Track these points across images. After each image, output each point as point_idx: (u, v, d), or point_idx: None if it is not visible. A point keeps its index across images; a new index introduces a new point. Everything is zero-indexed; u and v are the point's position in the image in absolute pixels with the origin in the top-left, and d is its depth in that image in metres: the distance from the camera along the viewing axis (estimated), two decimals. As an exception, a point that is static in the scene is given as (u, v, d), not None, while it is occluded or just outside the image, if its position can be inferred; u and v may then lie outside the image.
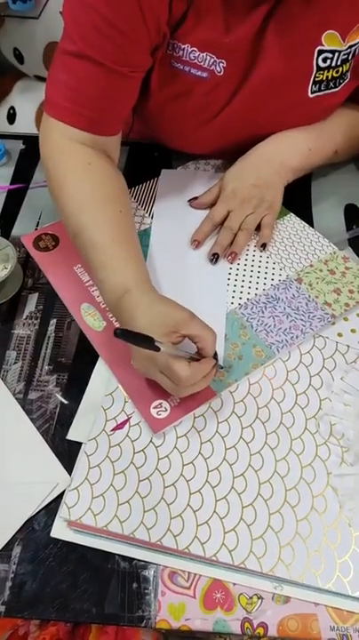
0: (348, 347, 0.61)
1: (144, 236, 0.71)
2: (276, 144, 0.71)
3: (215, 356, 0.54)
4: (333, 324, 0.63)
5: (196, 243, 0.70)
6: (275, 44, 0.61)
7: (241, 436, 0.55)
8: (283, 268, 0.68)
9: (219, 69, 0.62)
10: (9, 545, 0.49)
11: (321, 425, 0.56)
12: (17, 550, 0.49)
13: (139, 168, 0.81)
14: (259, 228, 0.71)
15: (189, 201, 0.75)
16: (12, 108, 1.58)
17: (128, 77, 0.60)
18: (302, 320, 0.63)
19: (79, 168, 0.61)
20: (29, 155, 0.84)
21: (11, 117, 1.59)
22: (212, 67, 0.62)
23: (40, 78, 1.50)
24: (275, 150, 0.71)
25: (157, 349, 0.47)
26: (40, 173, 0.82)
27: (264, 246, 0.70)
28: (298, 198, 0.77)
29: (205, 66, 0.62)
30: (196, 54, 0.61)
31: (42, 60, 1.47)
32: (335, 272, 0.68)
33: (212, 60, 0.61)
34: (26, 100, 1.59)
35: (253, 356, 0.59)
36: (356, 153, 0.80)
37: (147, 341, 0.47)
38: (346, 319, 0.64)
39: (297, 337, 0.61)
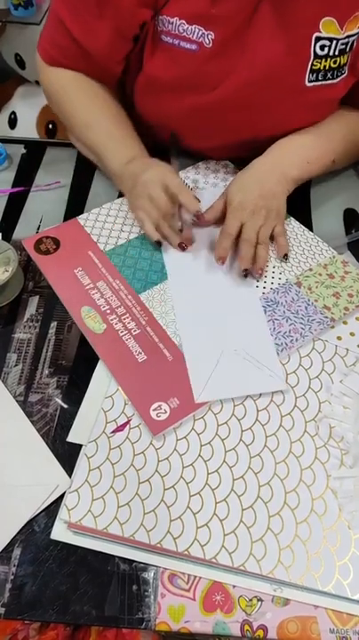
0: (348, 350, 0.62)
1: (144, 240, 0.72)
2: (275, 156, 0.72)
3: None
4: (332, 327, 0.64)
5: (222, 260, 0.67)
6: (269, 22, 0.62)
7: (240, 439, 0.55)
8: (282, 272, 0.69)
9: (207, 41, 0.63)
10: (9, 547, 0.49)
11: (320, 427, 0.56)
12: (17, 552, 0.49)
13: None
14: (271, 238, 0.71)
15: (193, 217, 0.74)
16: (14, 113, 1.59)
17: (95, 62, 0.69)
18: (301, 323, 0.63)
19: (72, 85, 0.73)
20: (30, 159, 0.85)
21: (13, 122, 1.60)
22: (201, 39, 0.63)
23: (41, 84, 1.51)
24: (275, 162, 0.72)
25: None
26: (41, 177, 0.82)
27: (286, 256, 0.70)
28: (297, 203, 0.77)
29: (194, 38, 0.63)
30: (185, 27, 0.63)
31: (43, 65, 1.48)
32: (334, 276, 0.68)
33: (201, 33, 0.63)
34: (27, 106, 1.60)
35: (253, 358, 0.60)
36: (353, 161, 0.81)
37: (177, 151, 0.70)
38: (345, 323, 0.64)
39: (296, 340, 0.61)
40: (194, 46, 0.64)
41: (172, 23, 0.63)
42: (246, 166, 0.72)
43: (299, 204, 0.78)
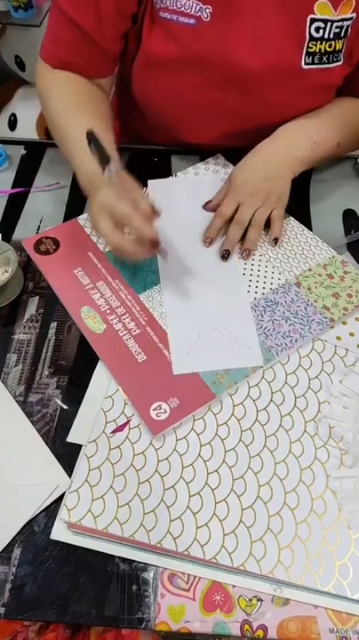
0: (347, 350, 0.62)
1: (144, 240, 0.72)
2: (281, 138, 0.73)
3: (153, 209, 0.61)
4: (332, 327, 0.64)
5: (209, 240, 0.71)
6: (265, 2, 0.63)
7: (240, 439, 0.55)
8: (281, 272, 0.69)
9: (205, 15, 0.64)
10: (9, 547, 0.49)
11: (320, 428, 0.56)
12: (17, 552, 0.49)
13: (138, 174, 0.81)
14: (267, 223, 0.72)
15: (204, 206, 0.76)
16: (14, 114, 1.59)
17: (96, 44, 0.68)
18: (301, 324, 0.63)
19: (59, 83, 0.73)
20: (30, 160, 0.85)
21: (13, 124, 1.60)
22: (199, 13, 0.64)
23: (41, 85, 1.51)
24: (281, 144, 0.72)
25: (107, 162, 0.58)
26: (41, 178, 0.82)
27: (276, 241, 0.71)
28: (297, 202, 0.77)
29: (192, 12, 0.64)
30: (183, 2, 0.64)
31: (43, 67, 1.48)
32: (334, 276, 0.68)
33: (199, 7, 0.64)
34: (27, 107, 1.61)
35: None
36: (357, 147, 0.81)
37: (105, 157, 0.58)
38: (344, 323, 0.65)
39: (296, 340, 0.61)
40: (192, 20, 0.65)
41: None
42: (252, 149, 0.73)
43: (299, 204, 0.78)
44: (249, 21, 0.64)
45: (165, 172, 0.83)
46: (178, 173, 0.82)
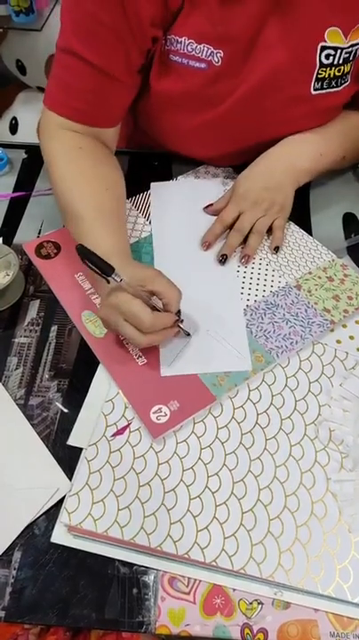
0: (347, 353, 0.62)
1: (145, 243, 0.72)
2: (288, 147, 0.73)
3: (178, 314, 0.58)
4: (332, 330, 0.64)
5: (207, 244, 0.71)
6: (276, 36, 0.62)
7: (240, 442, 0.55)
8: (282, 276, 0.69)
9: (216, 60, 0.63)
10: (9, 550, 0.49)
11: (320, 431, 0.56)
12: (17, 555, 0.49)
13: (139, 177, 0.82)
14: (269, 230, 0.72)
15: (205, 208, 0.76)
16: (15, 118, 1.60)
17: (114, 78, 0.63)
18: (301, 326, 0.63)
19: (70, 151, 0.66)
20: (31, 164, 0.86)
21: (14, 128, 1.61)
22: (210, 57, 0.63)
23: (42, 89, 1.52)
24: (287, 153, 0.72)
25: (110, 273, 0.52)
26: (42, 182, 0.83)
27: (277, 249, 0.71)
28: (297, 207, 0.77)
29: (203, 57, 0.63)
30: (194, 46, 0.62)
31: (44, 71, 1.49)
32: (334, 279, 0.68)
33: (210, 51, 0.62)
34: (28, 111, 1.61)
35: (253, 361, 0.60)
36: None
37: (106, 268, 0.52)
38: (344, 326, 0.65)
39: (296, 343, 0.62)
40: (203, 65, 0.64)
41: (181, 42, 0.62)
42: (258, 157, 0.73)
43: (299, 209, 0.78)
44: (259, 57, 0.64)
45: (166, 175, 0.83)
46: (179, 177, 0.82)
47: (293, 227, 0.75)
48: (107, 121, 0.69)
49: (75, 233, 0.63)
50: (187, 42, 0.62)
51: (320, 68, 0.65)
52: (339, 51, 0.64)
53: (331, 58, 0.65)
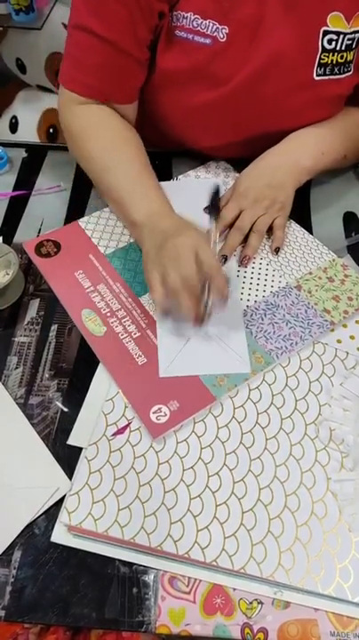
0: (347, 353, 0.62)
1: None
2: (289, 147, 0.73)
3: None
4: (332, 330, 0.64)
5: None
6: (279, 16, 0.63)
7: (241, 442, 0.55)
8: (282, 276, 0.69)
9: (221, 35, 0.64)
10: (9, 549, 0.49)
11: (320, 430, 0.56)
12: (17, 555, 0.49)
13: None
14: (269, 230, 0.72)
15: (205, 208, 0.75)
16: (15, 117, 1.60)
17: (125, 52, 0.65)
18: (301, 327, 0.63)
19: (94, 124, 0.71)
20: (31, 162, 0.85)
21: (14, 127, 1.61)
22: (215, 33, 0.64)
23: (42, 88, 1.52)
24: (289, 152, 0.72)
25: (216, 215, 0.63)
26: (42, 181, 0.82)
27: (277, 250, 0.71)
28: (297, 206, 0.77)
29: (208, 32, 0.64)
30: (199, 21, 0.64)
31: (44, 70, 1.49)
32: (334, 279, 0.68)
33: (215, 27, 0.64)
34: (28, 110, 1.61)
35: (253, 362, 0.60)
36: None
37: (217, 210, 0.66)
38: (344, 326, 0.65)
39: (296, 343, 0.61)
40: (208, 40, 0.65)
41: (187, 18, 0.64)
42: (260, 155, 0.73)
43: (299, 208, 0.78)
44: (264, 38, 0.65)
45: (166, 175, 0.83)
46: (179, 176, 0.82)
47: (294, 225, 0.75)
48: (121, 97, 0.72)
49: (107, 185, 0.69)
50: (192, 17, 0.63)
51: (322, 52, 0.66)
52: (341, 36, 0.65)
53: (334, 43, 0.66)
